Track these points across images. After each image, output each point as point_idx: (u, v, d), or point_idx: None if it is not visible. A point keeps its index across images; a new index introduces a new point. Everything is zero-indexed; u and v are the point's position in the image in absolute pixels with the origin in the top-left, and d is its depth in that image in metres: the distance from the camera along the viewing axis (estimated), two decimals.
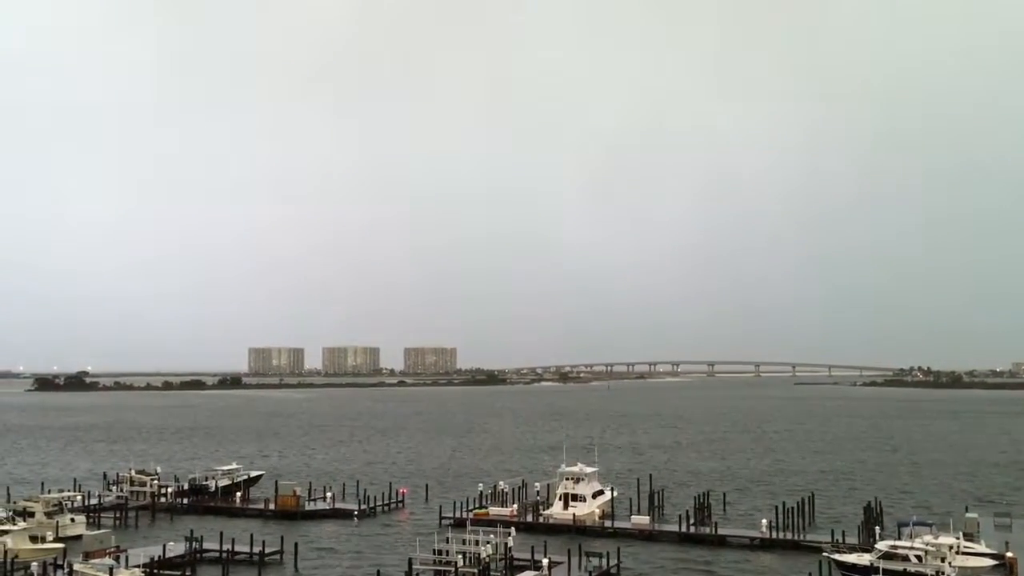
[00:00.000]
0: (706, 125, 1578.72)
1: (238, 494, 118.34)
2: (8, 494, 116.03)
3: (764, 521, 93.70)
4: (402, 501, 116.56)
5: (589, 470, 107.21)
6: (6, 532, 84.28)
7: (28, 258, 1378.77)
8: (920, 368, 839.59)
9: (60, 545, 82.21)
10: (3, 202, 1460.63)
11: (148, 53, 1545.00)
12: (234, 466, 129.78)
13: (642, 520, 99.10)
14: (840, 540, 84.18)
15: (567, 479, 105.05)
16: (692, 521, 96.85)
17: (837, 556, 77.58)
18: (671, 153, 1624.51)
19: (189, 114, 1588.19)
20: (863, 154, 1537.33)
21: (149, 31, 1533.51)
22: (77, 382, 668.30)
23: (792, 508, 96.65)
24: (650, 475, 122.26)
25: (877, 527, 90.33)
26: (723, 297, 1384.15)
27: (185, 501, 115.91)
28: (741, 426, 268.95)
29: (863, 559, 75.93)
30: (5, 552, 77.48)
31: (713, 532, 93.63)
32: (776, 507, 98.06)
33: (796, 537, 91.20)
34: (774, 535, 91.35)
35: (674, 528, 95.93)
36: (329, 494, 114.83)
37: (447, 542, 77.58)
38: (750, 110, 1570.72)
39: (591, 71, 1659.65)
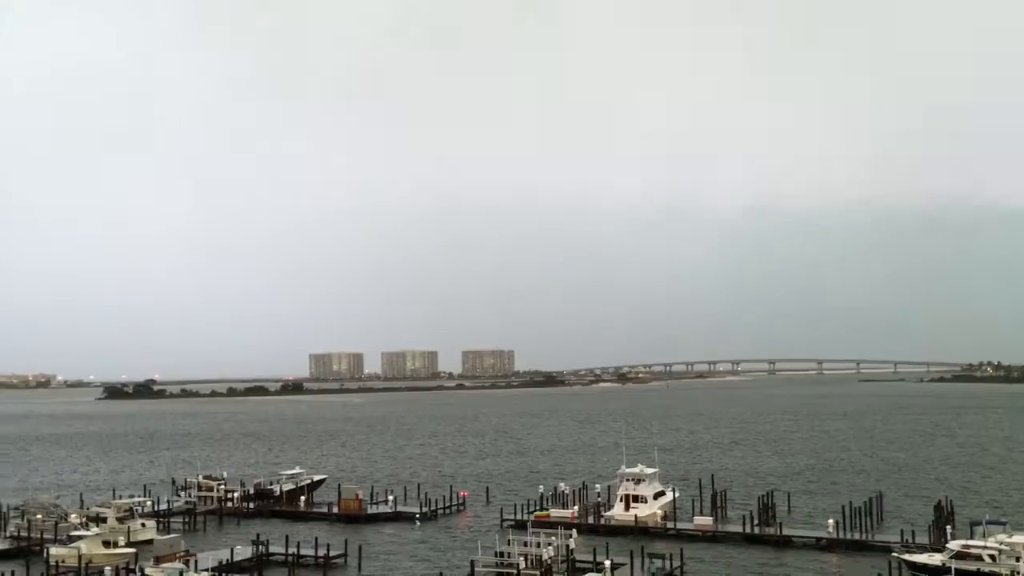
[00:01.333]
0: (759, 122, 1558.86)
1: (302, 498, 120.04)
2: (81, 500, 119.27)
3: (831, 521, 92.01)
4: (463, 504, 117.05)
5: (649, 471, 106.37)
6: (80, 538, 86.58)
7: (97, 272, 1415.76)
8: (990, 363, 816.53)
9: (131, 550, 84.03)
10: (76, 219, 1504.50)
11: (202, 67, 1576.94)
12: (298, 470, 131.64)
13: (705, 521, 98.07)
14: (910, 540, 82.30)
15: (627, 480, 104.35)
16: (756, 522, 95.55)
17: (907, 556, 75.80)
18: (726, 150, 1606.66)
19: (240, 124, 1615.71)
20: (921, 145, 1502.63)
21: (202, 50, 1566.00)
22: (145, 390, 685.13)
23: (859, 508, 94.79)
24: (712, 475, 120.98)
25: (948, 526, 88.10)
26: (784, 295, 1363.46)
27: (251, 505, 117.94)
28: (804, 424, 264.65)
29: (934, 559, 74.11)
30: (79, 557, 79.55)
31: (778, 532, 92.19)
32: (843, 507, 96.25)
33: (864, 537, 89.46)
34: (841, 535, 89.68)
35: (738, 529, 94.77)
36: (391, 497, 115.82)
37: (508, 544, 77.67)
38: (802, 108, 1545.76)
39: (640, 67, 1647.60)
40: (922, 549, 78.78)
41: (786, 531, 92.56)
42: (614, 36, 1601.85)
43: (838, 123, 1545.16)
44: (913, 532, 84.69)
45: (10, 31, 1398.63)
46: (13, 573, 76.00)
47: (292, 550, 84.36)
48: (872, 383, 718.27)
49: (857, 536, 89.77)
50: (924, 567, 73.89)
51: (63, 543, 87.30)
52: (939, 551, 76.38)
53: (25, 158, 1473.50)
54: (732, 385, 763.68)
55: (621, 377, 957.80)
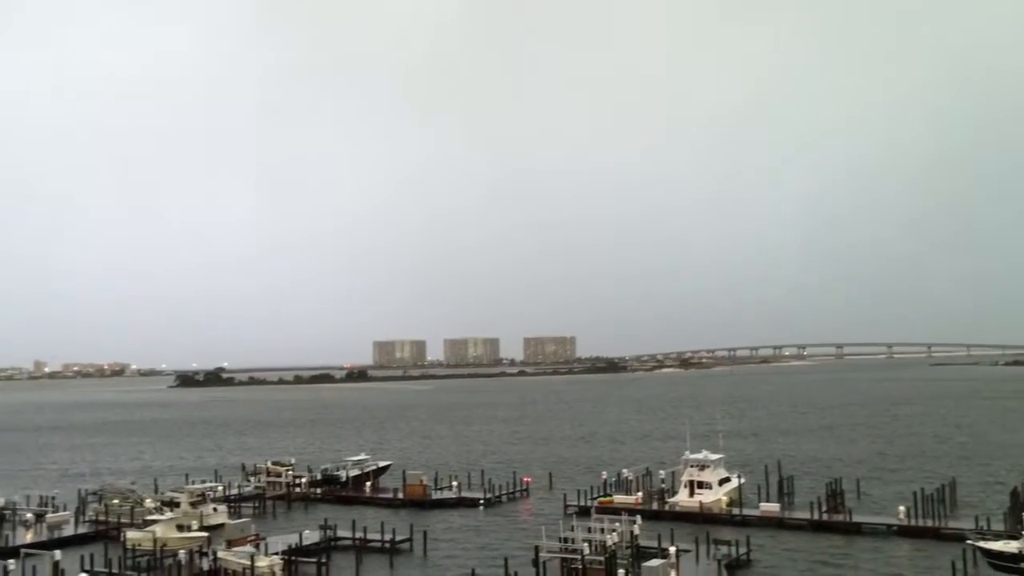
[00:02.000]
0: (835, 106, 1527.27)
1: (368, 484, 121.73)
2: (156, 485, 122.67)
3: (901, 508, 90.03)
4: (526, 490, 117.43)
5: (714, 457, 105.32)
6: (155, 522, 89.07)
7: (169, 266, 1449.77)
8: None
9: (204, 534, 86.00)
10: (146, 216, 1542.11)
11: (251, 61, 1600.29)
12: (363, 457, 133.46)
13: (771, 508, 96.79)
14: (985, 527, 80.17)
15: (692, 466, 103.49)
16: (824, 508, 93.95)
17: (983, 544, 73.73)
18: (795, 136, 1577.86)
19: (299, 115, 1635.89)
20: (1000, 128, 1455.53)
21: (255, 40, 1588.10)
22: (215, 378, 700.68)
23: (931, 494, 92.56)
24: (778, 461, 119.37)
25: None
26: (852, 279, 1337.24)
27: (318, 491, 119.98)
28: (872, 410, 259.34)
29: (1011, 546, 71.93)
30: (155, 541, 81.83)
31: (847, 519, 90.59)
32: (914, 493, 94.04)
33: (936, 524, 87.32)
34: (913, 522, 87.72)
35: (805, 516, 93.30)
36: (455, 483, 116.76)
37: (572, 530, 77.69)
38: (869, 95, 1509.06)
39: (703, 50, 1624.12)
40: (997, 536, 76.68)
41: (855, 518, 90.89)
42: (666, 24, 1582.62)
43: (907, 106, 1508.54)
44: (988, 519, 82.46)
45: (64, 35, 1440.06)
46: (92, 556, 78.42)
47: (359, 534, 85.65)
48: (944, 367, 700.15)
49: (929, 523, 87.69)
50: (1000, 555, 71.84)
51: (139, 527, 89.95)
52: (1015, 538, 74.16)
53: (93, 158, 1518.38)
54: (798, 370, 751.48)
55: (684, 362, 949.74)
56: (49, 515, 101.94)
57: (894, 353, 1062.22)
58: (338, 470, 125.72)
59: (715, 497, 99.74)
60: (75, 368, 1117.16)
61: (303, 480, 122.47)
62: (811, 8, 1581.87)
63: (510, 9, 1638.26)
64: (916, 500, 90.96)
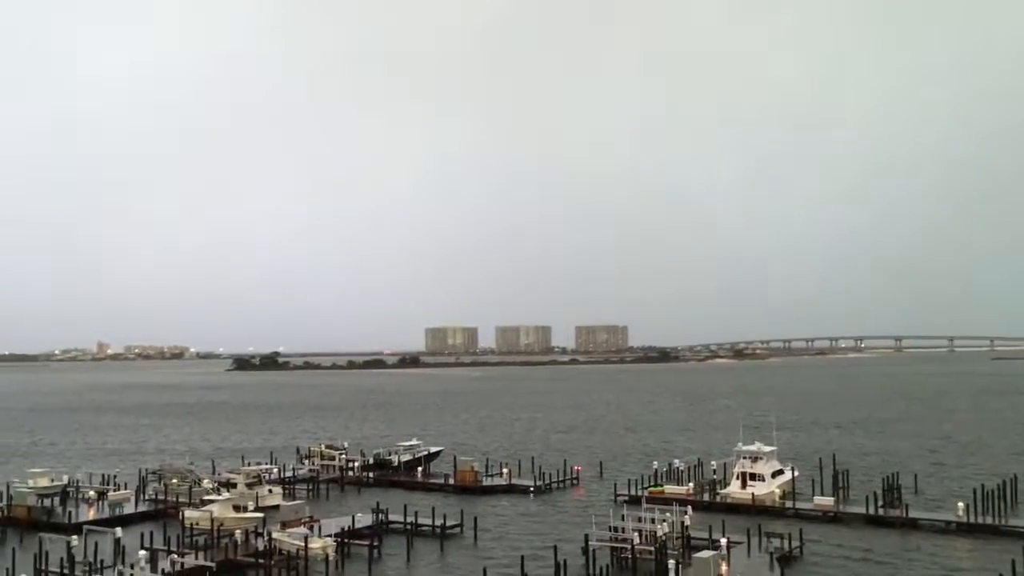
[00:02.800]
0: (879, 97, 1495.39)
1: (419, 469, 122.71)
2: (213, 466, 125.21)
3: (960, 504, 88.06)
4: (577, 478, 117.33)
5: (767, 449, 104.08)
6: (212, 502, 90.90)
7: (227, 252, 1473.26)
8: None
9: (259, 515, 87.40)
10: (202, 205, 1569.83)
11: (300, 53, 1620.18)
12: (415, 442, 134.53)
13: (826, 501, 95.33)
14: None
15: (744, 458, 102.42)
16: (880, 503, 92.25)
17: None
18: (840, 128, 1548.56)
19: (354, 98, 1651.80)
20: None
21: (301, 31, 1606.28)
22: (271, 362, 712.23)
23: (992, 491, 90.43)
24: (833, 455, 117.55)
25: None
26: (910, 270, 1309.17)
27: (370, 475, 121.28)
28: (932, 403, 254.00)
29: None
30: (212, 520, 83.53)
31: (903, 515, 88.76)
32: (974, 490, 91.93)
33: (996, 522, 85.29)
34: (972, 519, 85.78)
35: (860, 510, 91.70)
36: (505, 470, 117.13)
37: (623, 519, 77.45)
38: (925, 79, 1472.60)
39: (749, 49, 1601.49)
40: None
41: (912, 513, 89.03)
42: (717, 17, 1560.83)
43: (962, 88, 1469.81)
44: None
45: (135, 32, 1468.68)
46: (152, 533, 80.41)
47: (410, 519, 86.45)
48: (1007, 361, 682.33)
49: (989, 520, 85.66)
50: None
51: (196, 507, 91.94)
52: None
53: (157, 147, 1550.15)
54: (856, 363, 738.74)
55: (738, 353, 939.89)
56: (111, 493, 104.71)
57: (955, 347, 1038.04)
58: (390, 455, 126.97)
59: (768, 489, 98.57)
60: (136, 350, 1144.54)
61: (356, 464, 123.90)
62: None
63: (549, 4, 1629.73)
64: (976, 497, 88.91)
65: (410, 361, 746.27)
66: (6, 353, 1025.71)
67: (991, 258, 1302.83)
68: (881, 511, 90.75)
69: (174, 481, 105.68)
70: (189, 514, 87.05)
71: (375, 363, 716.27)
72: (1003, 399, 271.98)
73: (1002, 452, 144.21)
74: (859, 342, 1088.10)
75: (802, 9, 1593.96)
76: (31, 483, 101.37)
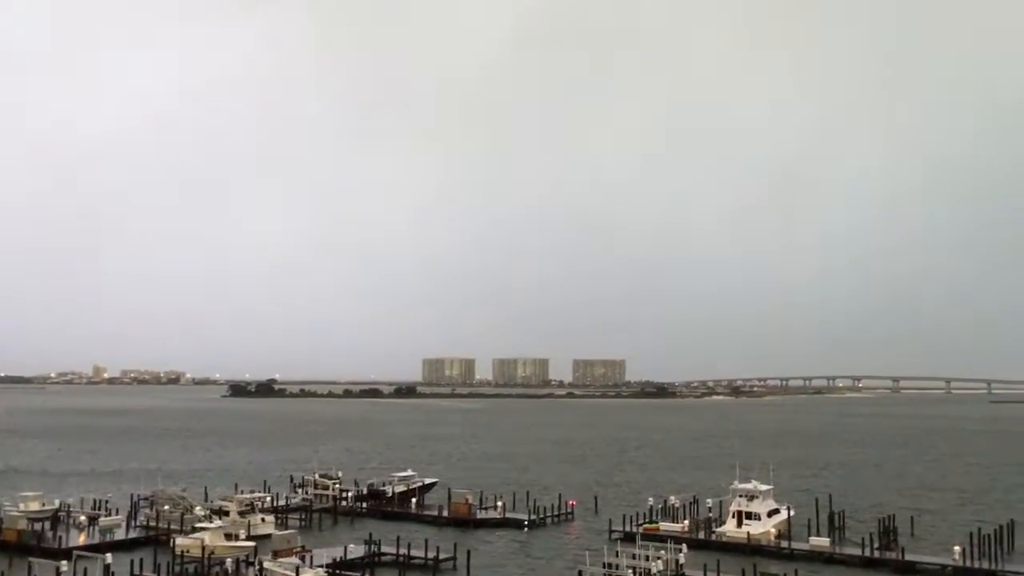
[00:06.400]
0: (882, 137, 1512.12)
1: (413, 500, 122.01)
2: (206, 493, 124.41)
3: (957, 548, 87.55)
4: (571, 513, 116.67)
5: (764, 487, 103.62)
6: (204, 529, 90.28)
7: (224, 278, 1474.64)
8: None
9: (251, 543, 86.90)
10: (203, 229, 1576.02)
11: (305, 85, 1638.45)
12: (410, 473, 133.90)
13: (822, 542, 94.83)
14: None
15: (740, 496, 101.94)
16: (876, 544, 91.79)
17: None
18: (844, 165, 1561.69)
19: (355, 128, 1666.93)
20: None
21: (306, 64, 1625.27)
22: (266, 389, 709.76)
23: (988, 535, 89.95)
24: (829, 495, 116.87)
25: None
26: (908, 310, 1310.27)
27: (364, 505, 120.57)
28: (930, 446, 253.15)
29: None
30: (203, 548, 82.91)
31: (899, 557, 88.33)
32: (970, 533, 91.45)
33: (993, 567, 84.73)
34: (968, 563, 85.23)
35: (856, 552, 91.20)
36: (500, 503, 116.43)
37: (617, 556, 76.99)
38: (912, 117, 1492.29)
39: (752, 84, 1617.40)
40: None
41: (908, 556, 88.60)
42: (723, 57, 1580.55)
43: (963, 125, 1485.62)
44: None
45: (137, 53, 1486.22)
46: (142, 560, 79.77)
47: (403, 551, 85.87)
48: (1005, 404, 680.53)
49: (985, 565, 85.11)
50: None
51: (188, 534, 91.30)
52: None
53: (156, 172, 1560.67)
54: (853, 402, 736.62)
55: (735, 391, 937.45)
56: (102, 518, 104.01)
57: (952, 388, 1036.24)
58: (384, 485, 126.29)
59: (764, 529, 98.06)
60: (132, 375, 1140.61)
61: (349, 494, 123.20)
62: (853, 36, 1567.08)
63: (560, 38, 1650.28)
64: (973, 541, 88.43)
65: (406, 391, 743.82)
66: (2, 375, 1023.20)
67: (989, 300, 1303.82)
68: (877, 553, 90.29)
69: (166, 508, 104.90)
70: (180, 541, 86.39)
71: (371, 392, 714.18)
72: (1000, 442, 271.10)
73: (1000, 496, 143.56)
74: (857, 382, 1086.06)
75: (801, 60, 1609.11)
76: (22, 507, 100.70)
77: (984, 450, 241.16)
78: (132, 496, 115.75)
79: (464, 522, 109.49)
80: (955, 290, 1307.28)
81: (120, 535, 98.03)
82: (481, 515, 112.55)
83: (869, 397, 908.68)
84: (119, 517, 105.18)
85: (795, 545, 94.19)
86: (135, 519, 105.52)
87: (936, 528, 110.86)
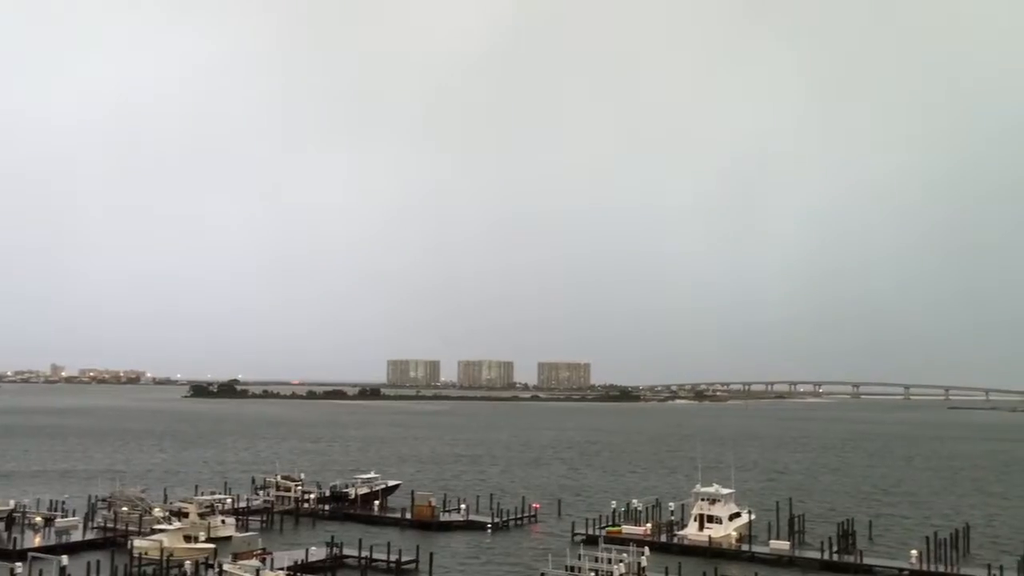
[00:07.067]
0: (834, 138, 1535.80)
1: (376, 502, 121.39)
2: (165, 495, 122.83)
3: (914, 552, 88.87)
4: (535, 516, 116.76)
5: (725, 491, 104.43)
6: (163, 531, 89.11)
7: (188, 276, 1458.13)
8: None
9: (211, 545, 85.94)
10: (166, 228, 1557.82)
11: (275, 85, 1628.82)
12: (373, 475, 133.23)
13: (781, 545, 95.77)
14: (997, 575, 78.99)
15: (702, 500, 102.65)
16: (835, 548, 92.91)
17: None
18: (801, 164, 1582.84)
19: (319, 131, 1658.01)
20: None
21: (275, 65, 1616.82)
22: (228, 389, 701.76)
23: (945, 539, 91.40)
24: (790, 499, 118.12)
25: None
26: (870, 317, 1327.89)
27: (326, 507, 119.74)
28: (890, 451, 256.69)
29: None
30: (162, 550, 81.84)
31: (858, 561, 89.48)
32: (927, 537, 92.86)
33: (949, 570, 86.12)
34: (925, 567, 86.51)
35: (816, 555, 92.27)
36: (463, 506, 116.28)
37: (579, 559, 77.15)
38: (872, 122, 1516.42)
39: (699, 88, 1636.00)
40: None
41: (866, 559, 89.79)
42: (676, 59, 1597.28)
43: (920, 145, 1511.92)
44: (1001, 567, 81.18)
45: (106, 52, 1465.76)
46: (99, 562, 78.52)
47: (365, 553, 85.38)
48: (962, 411, 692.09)
49: (941, 569, 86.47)
50: None
51: (146, 536, 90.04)
52: None
53: (117, 170, 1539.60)
54: (814, 407, 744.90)
55: (698, 395, 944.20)
56: (58, 520, 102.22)
57: (911, 395, 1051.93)
58: (347, 487, 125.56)
59: (725, 532, 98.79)
60: (91, 374, 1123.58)
61: (312, 496, 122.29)
62: (807, 45, 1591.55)
63: (535, 46, 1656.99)
64: (929, 544, 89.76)
65: (371, 393, 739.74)
66: None
67: (947, 308, 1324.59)
68: (836, 556, 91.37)
69: (124, 509, 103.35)
70: (138, 543, 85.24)
71: (335, 393, 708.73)
72: (956, 448, 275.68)
73: (954, 501, 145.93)
74: (818, 387, 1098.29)
75: (768, 63, 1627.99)
76: None
77: (940, 455, 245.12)
78: (89, 497, 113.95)
79: (427, 524, 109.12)
80: (918, 300, 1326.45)
81: (77, 536, 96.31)
82: (444, 517, 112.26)
83: (830, 402, 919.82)
84: (76, 518, 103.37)
85: (756, 548, 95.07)
86: (92, 520, 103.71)
87: (894, 532, 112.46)
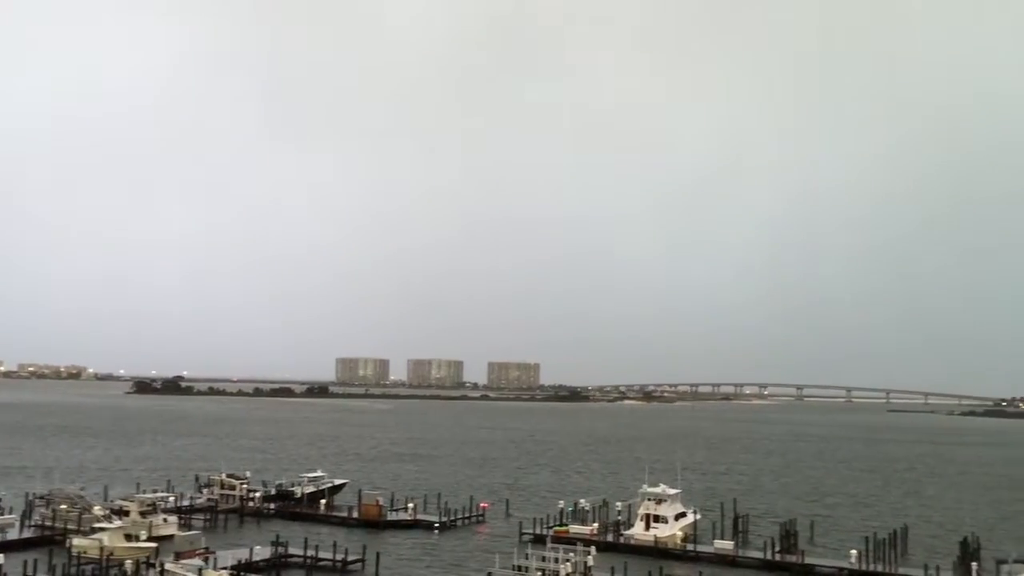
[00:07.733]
0: (786, 143, 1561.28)
1: (323, 501, 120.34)
2: (105, 493, 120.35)
3: (853, 552, 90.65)
4: (482, 515, 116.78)
5: (672, 491, 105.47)
6: (103, 530, 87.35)
7: (131, 272, 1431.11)
8: (1022, 398, 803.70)
9: (153, 544, 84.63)
10: (109, 222, 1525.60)
11: (254, 82, 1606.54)
12: (319, 473, 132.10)
13: (726, 545, 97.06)
14: (934, 574, 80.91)
15: (649, 500, 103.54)
16: (778, 548, 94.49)
17: None
18: (751, 165, 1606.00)
19: (271, 133, 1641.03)
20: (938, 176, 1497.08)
21: (254, 62, 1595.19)
22: (173, 386, 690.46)
23: (884, 540, 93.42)
24: (734, 499, 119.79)
25: (974, 563, 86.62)
26: (812, 320, 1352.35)
27: (272, 506, 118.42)
28: (831, 452, 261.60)
29: None
30: (101, 549, 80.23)
31: (800, 560, 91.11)
32: (866, 538, 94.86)
33: (888, 570, 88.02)
34: (864, 567, 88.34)
35: (759, 555, 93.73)
36: (411, 505, 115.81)
37: (527, 558, 77.35)
38: (819, 132, 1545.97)
39: (664, 97, 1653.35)
40: None
41: (808, 559, 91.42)
42: (639, 68, 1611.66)
43: (871, 147, 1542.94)
44: (938, 567, 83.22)
45: (64, 42, 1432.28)
46: (36, 561, 76.69)
47: (311, 553, 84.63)
48: (901, 414, 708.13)
49: (880, 568, 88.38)
50: None
51: (85, 534, 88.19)
52: None
53: (56, 168, 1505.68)
54: (759, 409, 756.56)
55: (647, 395, 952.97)
56: None
57: (853, 397, 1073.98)
58: (293, 486, 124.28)
59: (670, 532, 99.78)
60: (30, 368, 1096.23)
61: (257, 495, 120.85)
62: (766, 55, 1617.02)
63: (512, 51, 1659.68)
64: (868, 545, 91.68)
65: (318, 391, 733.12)
66: None
67: (888, 311, 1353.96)
68: (779, 556, 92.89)
69: (63, 507, 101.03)
70: (77, 542, 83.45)
71: (282, 391, 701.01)
72: (899, 449, 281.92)
73: (893, 502, 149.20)
74: (763, 389, 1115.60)
75: (722, 68, 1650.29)
76: None
77: (879, 456, 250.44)
78: (27, 495, 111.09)
79: (374, 523, 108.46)
80: (856, 304, 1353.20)
81: (13, 535, 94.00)
82: (391, 516, 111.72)
83: (774, 404, 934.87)
84: (12, 516, 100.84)
85: (700, 548, 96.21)
86: (29, 518, 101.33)
87: (835, 532, 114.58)
